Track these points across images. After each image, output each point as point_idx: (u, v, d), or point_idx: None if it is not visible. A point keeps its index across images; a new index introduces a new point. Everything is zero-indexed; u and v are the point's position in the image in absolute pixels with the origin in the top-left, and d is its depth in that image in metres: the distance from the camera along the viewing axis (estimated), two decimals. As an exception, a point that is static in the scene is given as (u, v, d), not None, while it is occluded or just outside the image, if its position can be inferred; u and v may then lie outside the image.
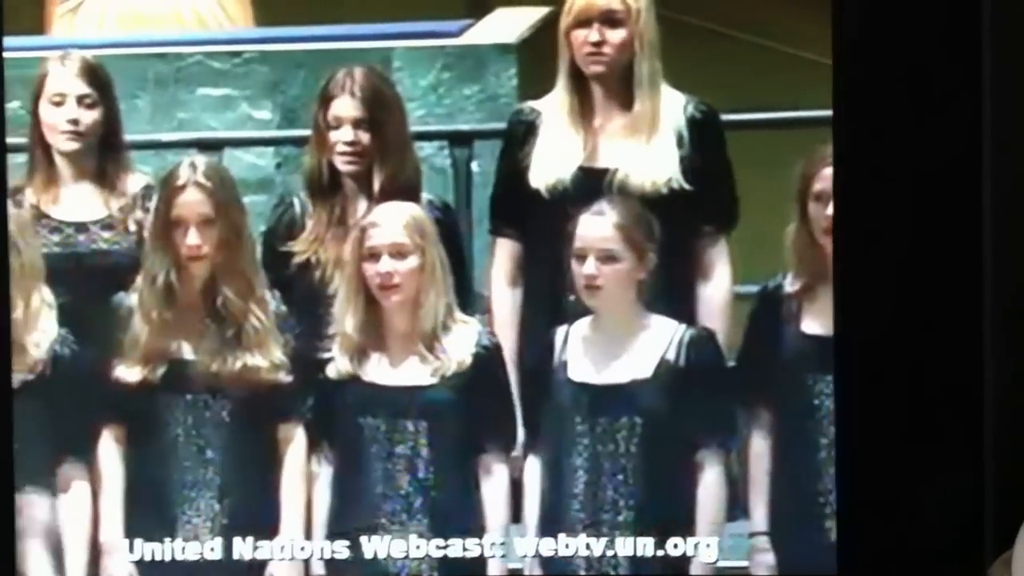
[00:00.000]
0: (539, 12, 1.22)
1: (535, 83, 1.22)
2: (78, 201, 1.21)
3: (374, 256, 1.21)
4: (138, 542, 1.20)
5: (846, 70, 1.17)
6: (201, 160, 1.20)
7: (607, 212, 1.20)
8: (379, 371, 1.22)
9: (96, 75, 1.20)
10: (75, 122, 1.20)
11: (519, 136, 1.22)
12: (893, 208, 1.18)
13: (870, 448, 1.18)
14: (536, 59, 1.22)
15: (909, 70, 1.17)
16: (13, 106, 1.19)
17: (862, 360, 1.18)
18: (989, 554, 1.15)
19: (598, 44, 1.21)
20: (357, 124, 1.21)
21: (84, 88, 1.20)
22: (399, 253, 1.21)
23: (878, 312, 1.18)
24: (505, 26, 1.24)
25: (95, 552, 1.20)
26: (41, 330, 1.19)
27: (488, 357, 1.23)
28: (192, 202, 1.20)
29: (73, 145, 1.20)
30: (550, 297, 1.22)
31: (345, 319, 1.21)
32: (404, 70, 1.23)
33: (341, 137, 1.21)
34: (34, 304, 1.19)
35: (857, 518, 1.19)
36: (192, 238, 1.20)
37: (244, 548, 1.20)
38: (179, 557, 1.20)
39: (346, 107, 1.21)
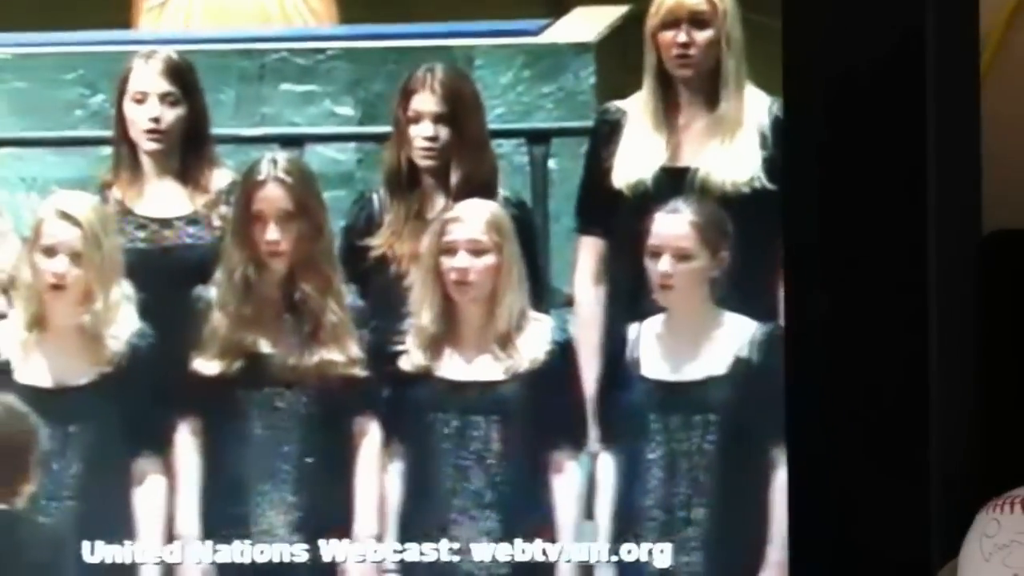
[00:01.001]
0: (618, 11, 1.21)
1: (613, 82, 1.22)
2: (163, 197, 1.22)
3: (451, 251, 1.21)
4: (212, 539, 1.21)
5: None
6: (282, 156, 1.21)
7: (682, 210, 1.19)
8: (452, 366, 1.22)
9: (180, 73, 1.21)
10: (157, 120, 1.21)
11: (604, 135, 1.22)
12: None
13: (815, 459, 1.16)
14: (615, 58, 1.22)
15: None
16: (98, 100, 1.21)
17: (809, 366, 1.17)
18: (935, 562, 1.13)
19: (686, 45, 1.21)
20: (437, 119, 1.21)
21: (167, 86, 1.21)
22: (477, 250, 1.21)
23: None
24: (584, 25, 1.23)
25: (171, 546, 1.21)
26: (120, 323, 1.20)
27: (561, 354, 1.22)
28: (272, 197, 1.21)
29: (156, 143, 1.21)
30: (631, 295, 1.22)
31: (421, 313, 1.21)
32: (485, 68, 1.23)
33: (421, 132, 1.21)
34: (113, 297, 1.20)
35: (805, 528, 1.17)
36: (271, 233, 1.21)
37: (320, 544, 1.21)
38: (255, 553, 1.21)
39: (426, 102, 1.21)
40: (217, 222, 1.21)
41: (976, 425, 1.17)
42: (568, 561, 1.20)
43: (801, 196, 1.17)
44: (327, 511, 1.21)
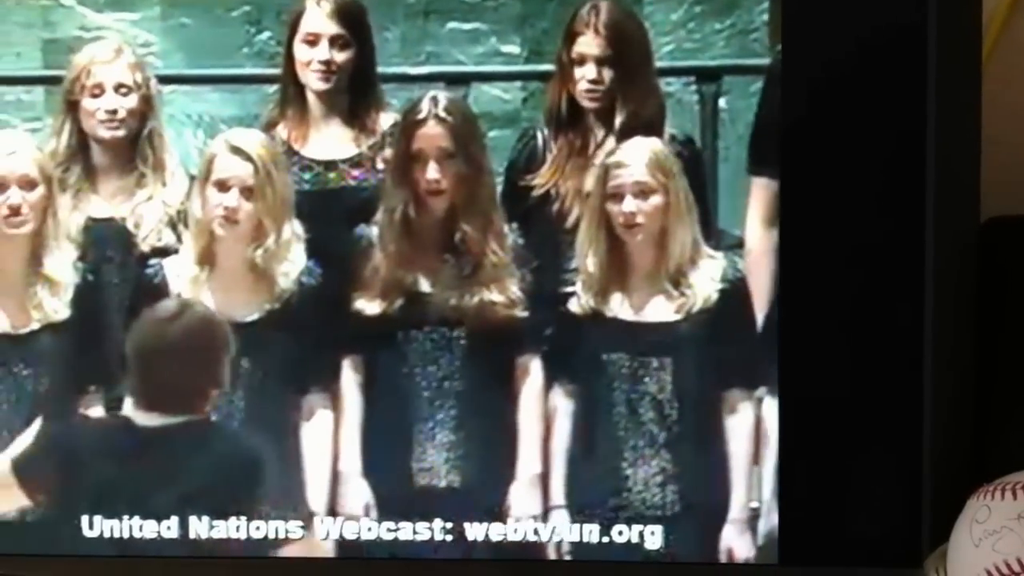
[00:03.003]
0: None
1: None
2: (329, 139, 1.23)
3: (617, 196, 1.20)
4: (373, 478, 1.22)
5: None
6: (442, 94, 1.20)
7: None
8: (623, 307, 1.21)
9: (351, 15, 1.21)
10: (327, 63, 1.21)
11: (777, 76, 1.19)
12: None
13: (808, 443, 1.18)
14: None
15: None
16: (263, 38, 1.21)
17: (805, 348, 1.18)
18: (926, 547, 1.12)
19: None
20: (600, 61, 1.19)
21: (338, 29, 1.20)
22: (643, 192, 1.20)
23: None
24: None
25: (335, 481, 1.22)
26: (291, 260, 1.22)
27: (734, 293, 1.20)
28: (432, 136, 1.20)
29: (325, 85, 1.22)
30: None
31: (587, 257, 1.20)
32: (654, 4, 1.20)
33: (584, 74, 1.20)
34: (285, 235, 1.21)
35: (796, 513, 1.18)
36: (431, 172, 1.20)
37: (483, 483, 1.22)
38: (416, 489, 1.22)
39: (590, 45, 1.19)
40: (381, 165, 1.21)
41: (970, 412, 1.16)
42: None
43: (800, 180, 1.17)
44: (488, 450, 1.22)
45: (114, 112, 1.21)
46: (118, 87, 1.21)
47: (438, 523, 1.21)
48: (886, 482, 1.17)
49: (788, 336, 1.18)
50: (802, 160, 1.17)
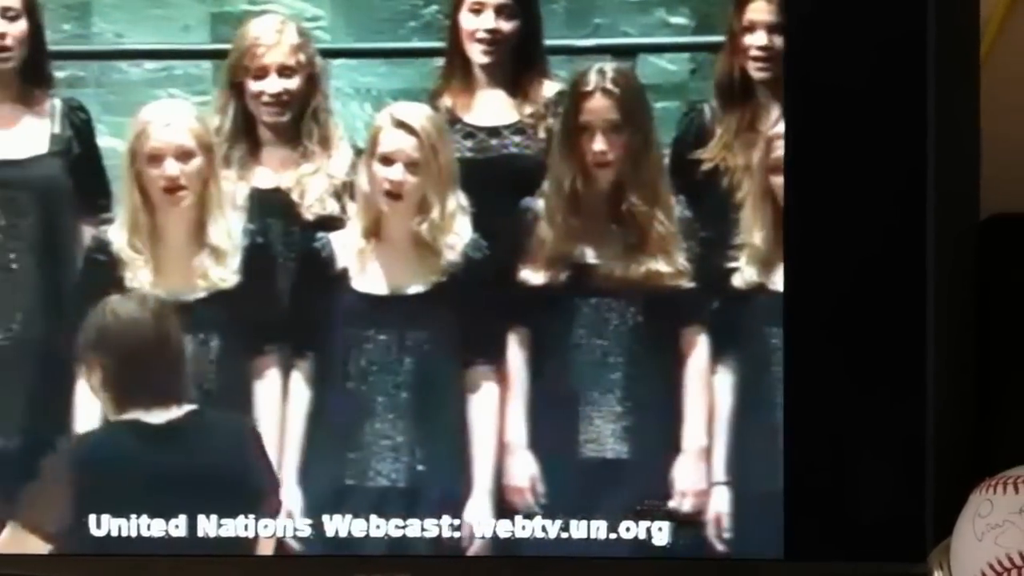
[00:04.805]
0: None
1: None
2: (491, 107, 1.23)
3: (779, 169, 1.19)
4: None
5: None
6: (610, 66, 1.20)
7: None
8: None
9: (517, -17, 1.21)
10: (493, 31, 1.21)
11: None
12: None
13: (814, 441, 1.18)
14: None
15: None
16: (431, 11, 1.21)
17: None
18: (930, 541, 1.13)
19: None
20: (772, 29, 1.19)
21: None
22: (806, 165, 1.20)
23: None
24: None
25: (501, 452, 1.22)
26: (456, 233, 1.22)
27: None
28: (599, 108, 1.20)
29: (490, 54, 1.22)
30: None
31: (752, 230, 1.20)
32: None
33: (755, 42, 1.19)
34: (449, 207, 1.21)
35: (802, 507, 1.18)
36: (599, 144, 1.20)
37: (647, 452, 1.22)
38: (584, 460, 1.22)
39: (761, 11, 1.19)
40: (542, 133, 1.21)
41: (972, 407, 1.16)
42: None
43: (803, 180, 1.18)
44: (653, 421, 1.21)
45: (278, 95, 1.21)
46: (282, 70, 1.21)
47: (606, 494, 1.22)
48: (890, 477, 1.18)
49: (793, 333, 1.19)
50: (805, 160, 1.18)
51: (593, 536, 1.21)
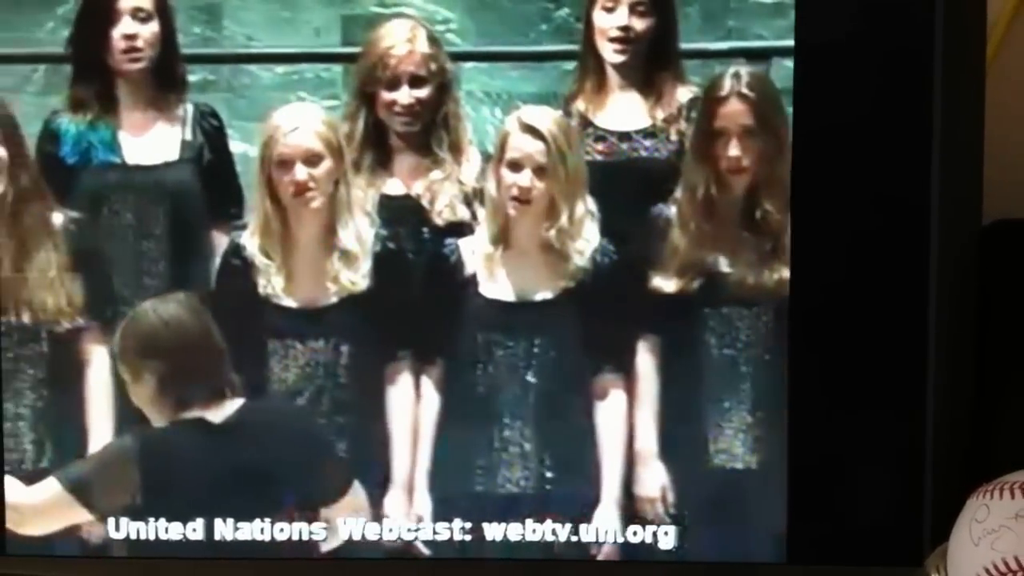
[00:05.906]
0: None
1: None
2: (624, 110, 1.21)
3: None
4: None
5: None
6: (745, 71, 1.18)
7: None
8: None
9: (649, -19, 1.19)
10: (627, 29, 1.20)
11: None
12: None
13: (813, 445, 1.18)
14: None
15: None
16: (562, 13, 1.20)
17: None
18: (927, 545, 1.13)
19: None
20: None
21: None
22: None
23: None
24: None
25: (629, 462, 1.21)
26: (585, 238, 1.21)
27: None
28: (734, 113, 1.18)
29: (623, 54, 1.20)
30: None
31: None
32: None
33: None
34: (578, 213, 1.20)
35: (800, 513, 1.19)
36: (733, 150, 1.18)
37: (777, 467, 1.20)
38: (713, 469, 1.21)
39: None
40: (675, 137, 1.20)
41: (971, 412, 1.16)
42: None
43: (806, 182, 1.17)
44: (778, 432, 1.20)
45: (410, 106, 1.21)
46: (414, 80, 1.20)
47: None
48: (888, 482, 1.17)
49: (795, 337, 1.18)
50: (808, 161, 1.17)
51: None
